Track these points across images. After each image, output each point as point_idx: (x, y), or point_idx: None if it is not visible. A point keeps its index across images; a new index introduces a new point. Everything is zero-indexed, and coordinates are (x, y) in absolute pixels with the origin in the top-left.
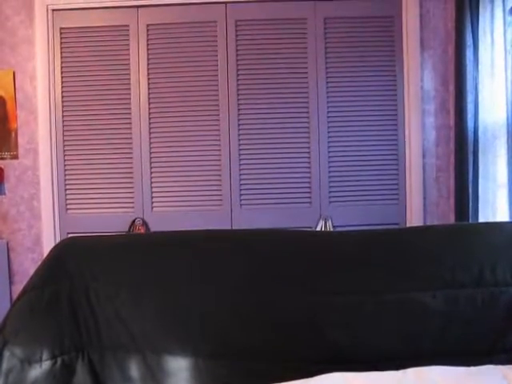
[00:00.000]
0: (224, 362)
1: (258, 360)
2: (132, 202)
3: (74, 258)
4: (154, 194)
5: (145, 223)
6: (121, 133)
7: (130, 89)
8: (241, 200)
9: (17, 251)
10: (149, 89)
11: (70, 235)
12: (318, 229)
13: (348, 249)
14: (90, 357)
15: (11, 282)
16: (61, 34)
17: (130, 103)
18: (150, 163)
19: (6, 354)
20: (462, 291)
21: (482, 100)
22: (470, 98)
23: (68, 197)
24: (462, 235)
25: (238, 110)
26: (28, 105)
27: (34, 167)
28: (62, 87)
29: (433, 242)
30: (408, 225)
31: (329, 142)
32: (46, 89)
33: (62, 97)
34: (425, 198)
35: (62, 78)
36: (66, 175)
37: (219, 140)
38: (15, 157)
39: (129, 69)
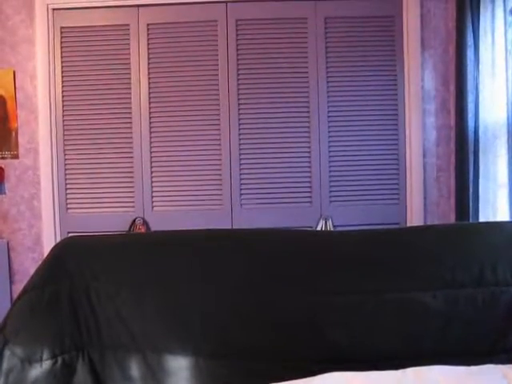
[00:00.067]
0: (224, 361)
1: (258, 360)
2: (132, 202)
3: (74, 257)
4: (154, 194)
5: (145, 223)
6: (121, 132)
7: (130, 88)
8: (241, 199)
9: (17, 251)
10: (149, 88)
11: (70, 235)
12: (319, 228)
13: (348, 249)
14: (90, 356)
15: (11, 282)
16: (61, 33)
17: (130, 102)
18: (151, 162)
19: (7, 353)
20: (463, 291)
21: (483, 100)
22: (470, 98)
23: (68, 196)
24: (463, 235)
25: (239, 109)
26: (28, 104)
27: (35, 167)
28: (63, 86)
29: (433, 241)
30: (408, 224)
31: (329, 141)
32: (46, 88)
33: (63, 96)
34: (425, 198)
35: (62, 77)
36: (66, 175)
37: (220, 139)
38: (15, 156)
39: (129, 68)
